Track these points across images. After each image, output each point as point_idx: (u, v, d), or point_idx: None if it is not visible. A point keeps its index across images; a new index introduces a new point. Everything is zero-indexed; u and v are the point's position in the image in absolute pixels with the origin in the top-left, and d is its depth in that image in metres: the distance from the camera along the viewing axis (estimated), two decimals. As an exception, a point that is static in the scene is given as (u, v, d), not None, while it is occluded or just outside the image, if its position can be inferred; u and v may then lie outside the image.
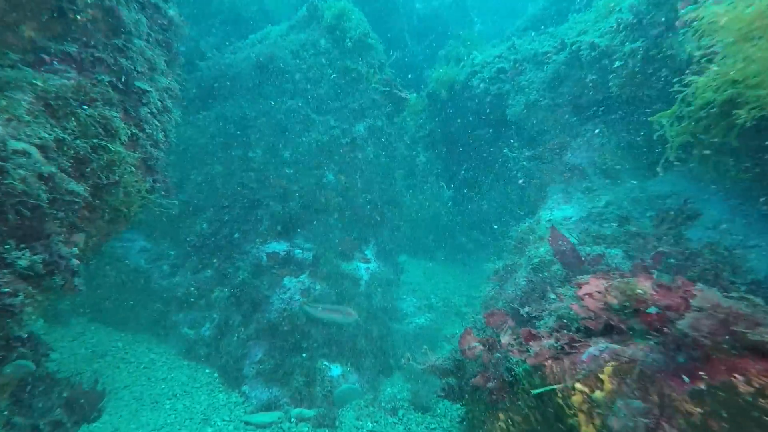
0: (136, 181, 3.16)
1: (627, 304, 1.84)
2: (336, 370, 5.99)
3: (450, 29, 15.19)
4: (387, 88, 8.49)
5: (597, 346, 2.01)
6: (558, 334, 2.27)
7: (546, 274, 3.74)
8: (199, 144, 7.58)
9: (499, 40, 10.85)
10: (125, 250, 6.66)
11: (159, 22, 3.94)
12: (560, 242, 3.42)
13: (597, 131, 5.70)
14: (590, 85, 5.85)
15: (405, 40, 13.83)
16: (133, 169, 3.02)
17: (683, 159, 4.49)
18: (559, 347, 2.19)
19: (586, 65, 5.87)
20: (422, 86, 11.39)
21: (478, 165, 10.30)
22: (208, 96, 7.86)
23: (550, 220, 5.13)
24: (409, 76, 11.55)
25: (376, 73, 8.54)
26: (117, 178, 2.87)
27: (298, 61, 8.21)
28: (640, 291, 1.81)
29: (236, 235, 7.00)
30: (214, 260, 6.89)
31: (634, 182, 4.99)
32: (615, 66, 4.98)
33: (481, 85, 8.68)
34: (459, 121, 10.06)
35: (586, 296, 2.06)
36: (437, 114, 10.58)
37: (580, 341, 2.10)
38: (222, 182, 7.46)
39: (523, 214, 8.15)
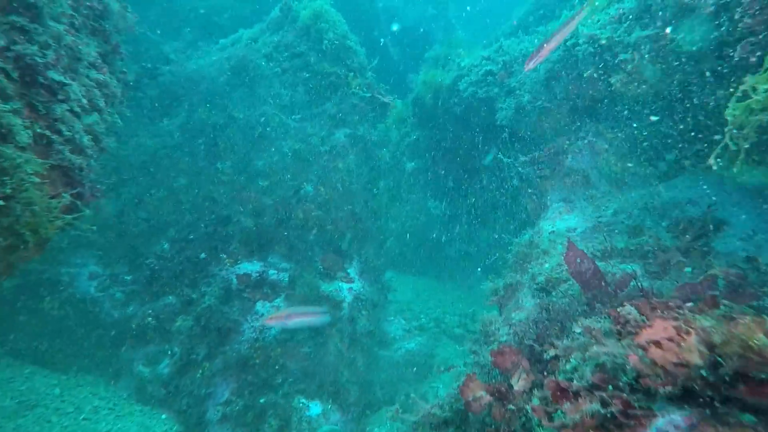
0: (45, 196, 2.45)
1: (727, 360, 1.23)
2: (315, 408, 5.23)
3: (433, 39, 14.88)
4: (369, 93, 7.93)
5: (670, 419, 1.38)
6: (604, 394, 1.63)
7: (563, 298, 3.13)
8: (161, 155, 6.83)
9: (486, 43, 10.48)
10: (72, 277, 5.82)
11: (89, 6, 3.27)
12: (579, 260, 2.82)
13: (599, 133, 5.20)
14: (589, 83, 5.37)
15: (387, 48, 13.41)
16: (36, 180, 2.32)
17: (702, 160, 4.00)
18: (609, 415, 1.56)
19: (584, 62, 5.40)
20: (407, 93, 10.92)
21: (468, 172, 9.78)
22: (172, 102, 7.15)
23: (552, 232, 4.56)
24: (392, 80, 11.04)
25: (356, 76, 7.98)
26: (8, 191, 2.17)
27: (271, 65, 7.59)
28: (757, 342, 1.19)
29: (203, 256, 6.24)
30: (177, 285, 6.10)
31: (644, 188, 4.48)
32: (619, 60, 4.49)
33: (469, 89, 8.20)
34: (446, 127, 9.57)
35: (652, 346, 1.45)
36: (423, 120, 10.07)
37: (642, 410, 1.47)
38: (187, 197, 6.71)
39: (517, 225, 7.60)
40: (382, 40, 12.89)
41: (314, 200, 7.17)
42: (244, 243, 6.57)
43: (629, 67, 4.38)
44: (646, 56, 4.09)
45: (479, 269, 9.41)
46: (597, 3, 5.24)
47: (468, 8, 18.25)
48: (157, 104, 7.15)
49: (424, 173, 10.22)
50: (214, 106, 7.01)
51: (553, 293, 3.79)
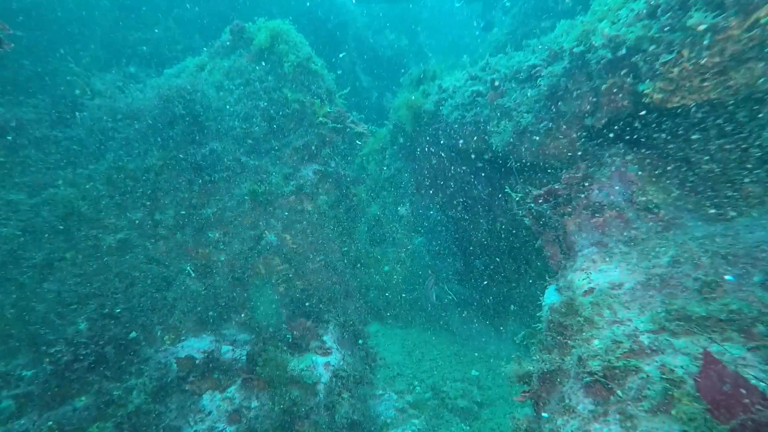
0: None
1: None
2: None
3: (406, 65, 14.24)
4: (338, 124, 6.84)
5: None
6: None
7: (638, 401, 1.92)
8: (81, 208, 5.43)
9: (463, 65, 9.72)
10: (-62, 383, 4.23)
11: None
12: (723, 379, 1.65)
13: (630, 157, 4.20)
14: (610, 96, 4.41)
15: (357, 75, 12.58)
16: None
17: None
18: None
19: (601, 71, 4.46)
20: (382, 122, 9.96)
21: (462, 207, 8.72)
22: (99, 143, 5.82)
23: (591, 290, 3.40)
24: (365, 109, 10.10)
25: (324, 104, 6.90)
26: None
27: (222, 94, 6.43)
28: None
29: (133, 335, 4.76)
30: (94, 379, 4.57)
31: (707, 227, 3.42)
32: (657, 63, 3.53)
33: (455, 113, 7.24)
34: (430, 156, 8.55)
35: None
36: (404, 149, 9.06)
37: None
38: (115, 258, 5.27)
39: (533, 274, 6.47)
40: (352, 66, 12.06)
41: (278, 252, 5.86)
42: (190, 312, 5.14)
43: (675, 71, 3.41)
44: (705, 54, 3.12)
45: (476, 323, 8.18)
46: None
47: (437, 38, 17.92)
48: (79, 146, 5.81)
49: (407, 208, 9.10)
50: (152, 145, 5.72)
51: (620, 392, 2.58)
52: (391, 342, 7.77)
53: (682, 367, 2.41)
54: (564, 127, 5.15)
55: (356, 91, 12.24)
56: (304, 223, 6.13)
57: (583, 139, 5.17)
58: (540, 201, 4.30)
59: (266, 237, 5.88)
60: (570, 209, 4.17)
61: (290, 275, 5.87)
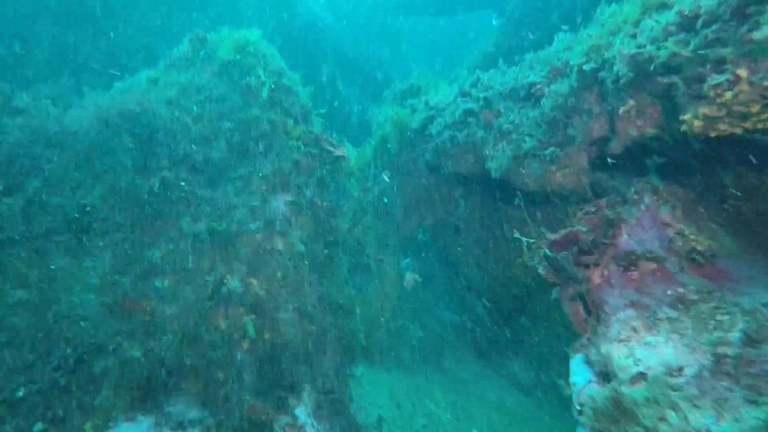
0: None
1: None
2: None
3: (388, 78, 13.56)
4: (315, 147, 5.99)
5: None
6: None
7: None
8: (-8, 254, 4.37)
9: (453, 77, 9.05)
10: None
11: None
12: None
13: (661, 192, 3.48)
14: (631, 121, 3.70)
15: (338, 88, 11.79)
16: None
17: None
18: None
19: (620, 93, 3.75)
20: (365, 138, 9.18)
21: (450, 231, 7.96)
22: (17, 173, 4.79)
23: (642, 376, 2.61)
24: (345, 126, 9.30)
25: (298, 124, 6.05)
26: None
27: (177, 113, 5.50)
28: None
29: (38, 428, 3.71)
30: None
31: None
32: (707, 85, 2.81)
33: (445, 133, 6.49)
34: (419, 179, 7.78)
35: None
36: (387, 170, 8.27)
37: None
38: (30, 318, 4.23)
39: (550, 334, 5.71)
40: (332, 78, 11.27)
41: (243, 300, 4.92)
42: (125, 387, 4.13)
43: (728, 95, 2.70)
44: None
45: (470, 362, 7.37)
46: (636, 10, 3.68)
47: (419, 49, 17.37)
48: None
49: (392, 235, 8.28)
50: (85, 175, 4.74)
51: None
52: (378, 390, 6.85)
53: None
54: (573, 153, 4.43)
55: (337, 105, 11.45)
56: (275, 264, 5.21)
57: (595, 168, 4.45)
58: (557, 248, 3.53)
59: (228, 283, 4.93)
60: (595, 259, 3.41)
61: (257, 329, 4.92)
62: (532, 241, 3.77)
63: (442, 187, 7.97)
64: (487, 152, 5.75)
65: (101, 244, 4.67)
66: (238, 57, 5.89)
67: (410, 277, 8.00)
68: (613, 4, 4.21)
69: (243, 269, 5.07)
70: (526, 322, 7.10)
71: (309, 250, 5.50)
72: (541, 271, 3.62)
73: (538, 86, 4.92)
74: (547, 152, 4.54)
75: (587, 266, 3.41)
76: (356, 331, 5.62)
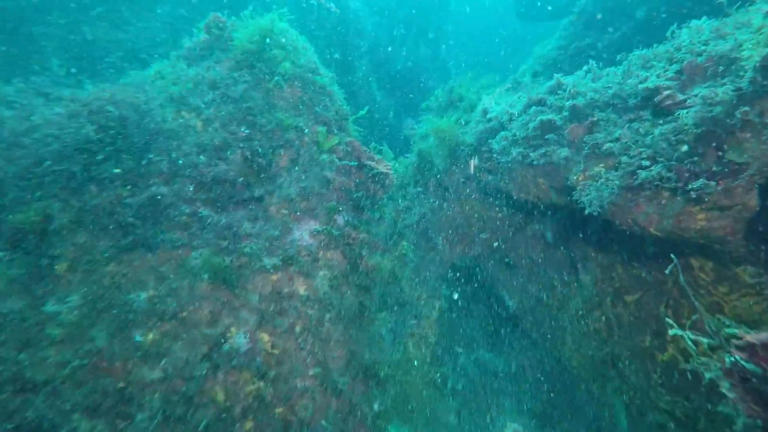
0: None
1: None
2: None
3: (428, 85, 12.34)
4: (352, 161, 4.78)
5: None
6: None
7: None
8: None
9: (508, 87, 7.73)
10: None
11: None
12: None
13: None
14: None
15: (372, 92, 10.61)
16: None
17: None
18: None
19: None
20: (399, 148, 7.98)
21: (501, 265, 6.61)
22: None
23: None
24: (385, 137, 8.11)
25: (331, 132, 4.87)
26: None
27: (183, 115, 4.40)
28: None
29: None
30: None
31: None
32: None
33: (513, 150, 5.17)
34: (468, 201, 6.49)
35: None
36: (430, 190, 7.01)
37: None
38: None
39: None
40: (366, 83, 10.11)
41: (249, 362, 3.72)
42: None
43: None
44: None
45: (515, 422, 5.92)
46: None
47: (462, 52, 16.07)
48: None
49: (434, 268, 6.98)
50: (52, 190, 3.65)
51: None
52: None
53: None
54: (736, 188, 3.03)
55: (372, 111, 10.30)
56: (293, 313, 3.99)
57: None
58: (756, 357, 2.16)
59: (231, 338, 3.74)
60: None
61: (266, 399, 3.71)
62: (710, 341, 2.39)
63: (497, 213, 6.63)
64: (574, 177, 4.41)
65: (72, 279, 3.56)
66: (262, 47, 4.77)
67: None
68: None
69: (252, 320, 3.87)
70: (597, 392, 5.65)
71: (338, 296, 4.25)
72: (725, 388, 2.23)
73: (667, 92, 3.55)
74: (693, 185, 3.16)
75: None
76: (390, 412, 4.33)
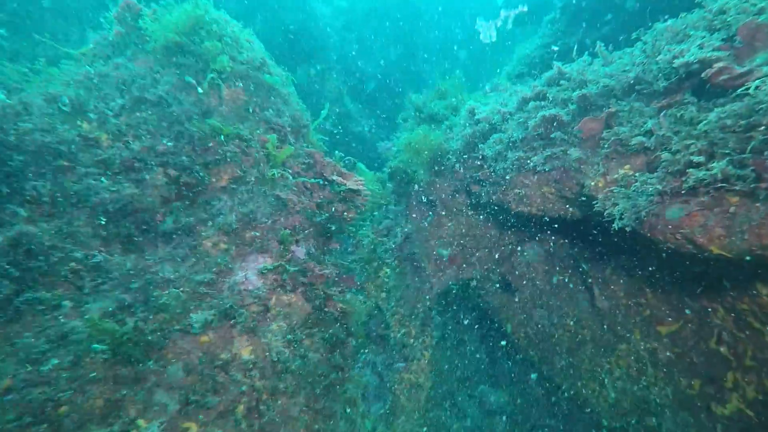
0: None
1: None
2: None
3: (402, 92, 11.57)
4: (312, 176, 3.76)
5: None
6: None
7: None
8: None
9: (491, 88, 6.92)
10: None
11: None
12: None
13: None
14: None
15: (344, 103, 9.70)
16: None
17: None
18: None
19: None
20: (375, 163, 7.06)
21: (498, 287, 5.68)
22: None
23: None
24: (363, 155, 7.16)
25: (285, 142, 3.85)
26: None
27: (82, 126, 3.30)
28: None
29: None
30: None
31: None
32: None
33: (510, 155, 4.26)
34: (457, 216, 5.56)
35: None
36: (410, 208, 6.05)
37: None
38: None
39: None
40: (338, 93, 9.19)
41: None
42: None
43: None
44: None
45: None
46: None
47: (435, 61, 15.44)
48: None
49: (422, 296, 5.95)
50: None
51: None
52: None
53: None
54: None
55: (344, 123, 9.36)
56: (233, 389, 2.86)
57: None
58: None
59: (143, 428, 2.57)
60: None
61: None
62: None
63: (492, 229, 5.70)
64: (593, 183, 3.50)
65: None
66: (191, 39, 3.75)
67: None
68: None
69: (172, 404, 2.72)
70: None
71: (297, 356, 3.15)
72: None
73: (719, 65, 2.68)
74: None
75: None
76: None
